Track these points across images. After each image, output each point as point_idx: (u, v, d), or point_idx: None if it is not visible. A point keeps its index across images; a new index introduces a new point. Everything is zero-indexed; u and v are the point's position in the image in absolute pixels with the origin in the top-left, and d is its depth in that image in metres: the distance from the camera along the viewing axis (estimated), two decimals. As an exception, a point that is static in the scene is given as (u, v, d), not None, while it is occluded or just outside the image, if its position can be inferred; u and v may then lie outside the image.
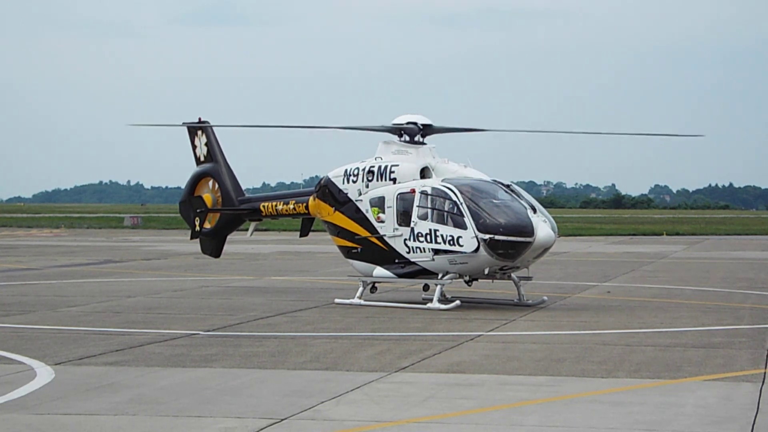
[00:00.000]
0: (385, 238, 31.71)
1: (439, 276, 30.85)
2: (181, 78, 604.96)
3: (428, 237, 30.58)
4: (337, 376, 18.97)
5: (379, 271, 31.83)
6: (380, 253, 31.83)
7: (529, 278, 32.02)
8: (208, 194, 37.38)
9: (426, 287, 31.86)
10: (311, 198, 34.27)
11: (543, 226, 29.99)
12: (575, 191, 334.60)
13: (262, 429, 14.81)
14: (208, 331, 25.22)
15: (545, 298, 32.31)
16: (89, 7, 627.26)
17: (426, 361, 20.80)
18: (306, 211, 34.71)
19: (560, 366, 20.18)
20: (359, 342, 23.48)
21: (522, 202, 30.58)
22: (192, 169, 38.40)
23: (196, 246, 39.75)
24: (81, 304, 31.14)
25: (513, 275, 31.17)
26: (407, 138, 32.69)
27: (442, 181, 31.06)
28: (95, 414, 15.73)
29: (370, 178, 32.32)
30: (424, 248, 30.75)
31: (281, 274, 44.54)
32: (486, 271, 30.34)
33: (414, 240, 30.92)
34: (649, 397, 17.15)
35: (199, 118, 38.25)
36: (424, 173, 31.87)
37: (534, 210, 30.34)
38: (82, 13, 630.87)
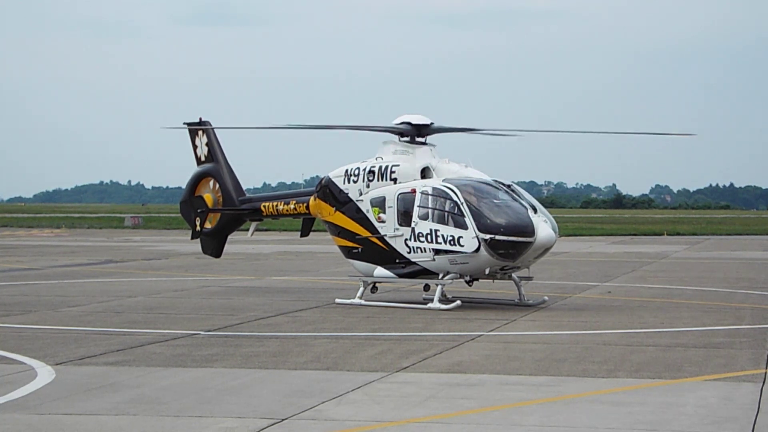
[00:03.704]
0: (385, 238, 31.72)
1: (440, 276, 30.85)
2: (182, 78, 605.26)
3: (429, 237, 30.57)
4: (338, 376, 18.97)
5: (380, 271, 31.83)
6: (381, 253, 31.83)
7: (529, 278, 32.02)
8: (208, 194, 37.38)
9: (427, 287, 31.87)
10: (312, 198, 34.27)
11: (544, 226, 29.99)
12: (576, 191, 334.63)
13: (262, 429, 14.81)
14: (209, 331, 25.22)
15: (546, 298, 32.31)
16: (89, 7, 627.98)
17: (427, 361, 20.80)
18: (307, 211, 34.71)
19: (561, 366, 20.18)
20: (360, 342, 23.49)
21: (523, 202, 30.58)
22: (193, 169, 38.41)
23: (196, 246, 39.76)
24: (82, 304, 31.14)
25: (514, 275, 31.17)
26: (408, 138, 32.69)
27: (443, 181, 31.05)
28: (96, 414, 15.73)
29: (370, 178, 32.32)
30: (424, 248, 30.74)
31: (282, 274, 44.54)
32: (487, 271, 30.33)
33: (415, 240, 30.91)
34: (650, 397, 17.15)
35: (200, 119, 38.26)
36: (425, 173, 31.86)
37: (535, 210, 30.33)
38: (82, 13, 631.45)
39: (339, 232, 33.06)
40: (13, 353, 21.38)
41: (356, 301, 31.73)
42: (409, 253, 31.15)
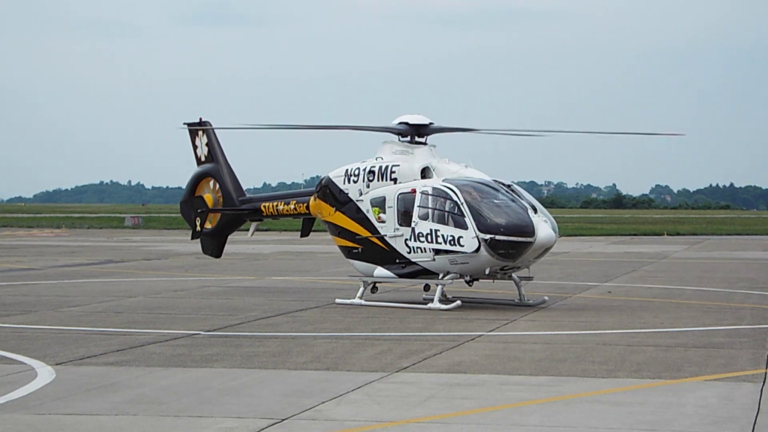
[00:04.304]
0: (385, 238, 31.72)
1: (440, 276, 30.85)
2: (181, 78, 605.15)
3: (429, 237, 30.58)
4: (338, 376, 18.98)
5: (380, 271, 31.83)
6: (381, 253, 31.83)
7: (529, 278, 32.01)
8: (209, 194, 37.39)
9: (427, 287, 31.87)
10: (312, 198, 34.28)
11: (544, 226, 29.99)
12: (576, 191, 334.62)
13: (262, 429, 14.81)
14: (209, 331, 25.23)
15: (546, 298, 32.30)
16: (89, 7, 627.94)
17: (427, 361, 20.80)
18: (307, 211, 34.71)
19: (561, 366, 20.18)
20: (360, 342, 23.49)
21: (523, 202, 30.58)
22: (193, 169, 38.42)
23: (196, 246, 39.76)
24: (82, 304, 31.14)
25: (514, 275, 31.17)
26: (408, 138, 32.70)
27: (443, 181, 31.06)
28: (96, 414, 15.74)
29: (371, 178, 32.33)
30: (424, 248, 30.74)
31: (282, 274, 44.54)
32: (487, 271, 30.33)
33: (415, 240, 30.91)
34: (650, 397, 17.15)
35: (200, 119, 38.27)
36: (425, 173, 31.87)
37: (535, 210, 30.34)
38: (82, 13, 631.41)
39: (339, 232, 33.06)
40: (13, 353, 21.38)
41: (356, 301, 31.73)
42: (409, 253, 31.15)
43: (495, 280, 31.69)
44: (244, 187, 37.58)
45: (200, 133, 38.21)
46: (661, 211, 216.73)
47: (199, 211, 37.00)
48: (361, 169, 32.61)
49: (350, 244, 32.71)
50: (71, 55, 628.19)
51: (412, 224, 30.96)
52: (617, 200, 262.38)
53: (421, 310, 30.11)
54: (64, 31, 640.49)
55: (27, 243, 74.32)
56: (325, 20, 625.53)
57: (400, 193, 31.55)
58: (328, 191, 33.42)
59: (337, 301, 32.09)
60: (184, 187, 39.22)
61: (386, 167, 32.15)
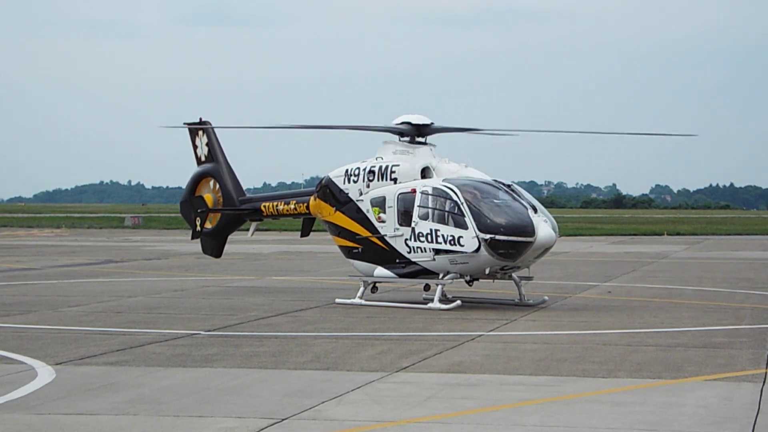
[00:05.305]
0: (386, 238, 31.72)
1: (440, 276, 30.85)
2: (181, 78, 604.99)
3: (429, 237, 30.58)
4: (338, 376, 18.98)
5: (380, 271, 31.83)
6: (381, 253, 31.83)
7: (529, 278, 32.01)
8: (209, 194, 37.39)
9: (427, 287, 31.87)
10: (312, 198, 34.28)
11: (544, 226, 30.00)
12: (576, 191, 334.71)
13: (262, 429, 14.81)
14: (209, 331, 25.23)
15: (546, 298, 32.30)
16: (89, 7, 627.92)
17: (427, 361, 20.80)
18: (307, 211, 34.71)
19: (561, 366, 20.18)
20: (360, 342, 23.49)
21: (523, 202, 30.58)
22: (193, 169, 38.42)
23: (196, 246, 39.76)
24: (82, 304, 31.14)
25: (514, 275, 31.17)
26: (408, 138, 32.70)
27: (443, 181, 31.06)
28: (96, 414, 15.74)
29: (371, 178, 32.33)
30: (425, 248, 30.75)
31: (282, 274, 44.54)
32: (487, 271, 30.34)
33: (415, 240, 30.92)
34: (650, 397, 17.15)
35: (200, 119, 38.27)
36: (425, 173, 31.87)
37: (535, 210, 30.34)
38: (82, 13, 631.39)
39: (339, 232, 33.07)
40: (13, 353, 21.38)
41: (356, 301, 31.73)
42: (410, 253, 31.16)
43: (495, 280, 31.69)
44: (244, 187, 37.59)
45: (200, 133, 38.21)
46: (661, 211, 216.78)
47: (199, 211, 37.00)
48: (361, 169, 32.61)
49: (350, 244, 32.71)
50: (71, 55, 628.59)
51: (412, 224, 30.96)
52: (617, 200, 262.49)
53: (421, 310, 30.11)
54: (64, 31, 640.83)
55: (27, 243, 74.32)
56: (325, 20, 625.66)
57: (400, 193, 31.55)
58: (328, 191, 33.43)
59: (337, 301, 32.09)
60: (184, 187, 39.23)
61: (386, 167, 32.15)
